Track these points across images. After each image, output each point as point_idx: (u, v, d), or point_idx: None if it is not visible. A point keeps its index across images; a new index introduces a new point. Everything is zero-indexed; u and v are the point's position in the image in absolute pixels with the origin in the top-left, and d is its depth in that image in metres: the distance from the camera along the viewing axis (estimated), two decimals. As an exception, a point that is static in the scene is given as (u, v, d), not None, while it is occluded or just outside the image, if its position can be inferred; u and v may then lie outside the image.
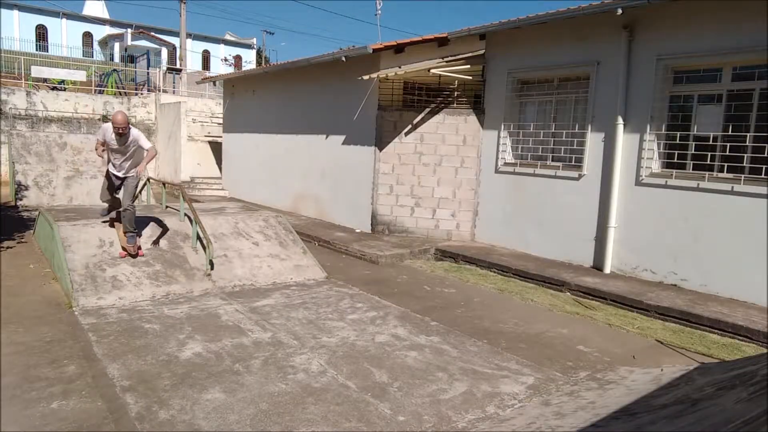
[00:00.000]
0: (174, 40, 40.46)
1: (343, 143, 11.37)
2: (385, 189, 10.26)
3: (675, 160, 7.24)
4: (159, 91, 21.27)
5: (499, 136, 9.38)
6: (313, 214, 12.41)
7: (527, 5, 46.54)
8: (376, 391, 4.10)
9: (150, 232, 7.22)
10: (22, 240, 8.89)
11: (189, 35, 39.23)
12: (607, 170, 7.81)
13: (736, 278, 6.54)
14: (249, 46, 51.95)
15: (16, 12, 42.29)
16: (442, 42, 9.87)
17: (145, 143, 6.69)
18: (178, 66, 28.23)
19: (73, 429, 3.42)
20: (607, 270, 7.75)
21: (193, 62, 42.35)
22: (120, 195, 6.85)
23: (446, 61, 9.42)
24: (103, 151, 6.72)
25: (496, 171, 9.47)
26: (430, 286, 7.42)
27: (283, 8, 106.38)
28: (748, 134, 6.54)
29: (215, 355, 4.63)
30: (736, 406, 2.64)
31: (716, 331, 5.72)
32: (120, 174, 6.77)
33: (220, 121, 17.28)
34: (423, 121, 9.96)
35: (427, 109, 9.97)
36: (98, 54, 44.70)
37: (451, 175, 9.91)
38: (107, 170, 6.88)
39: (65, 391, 3.88)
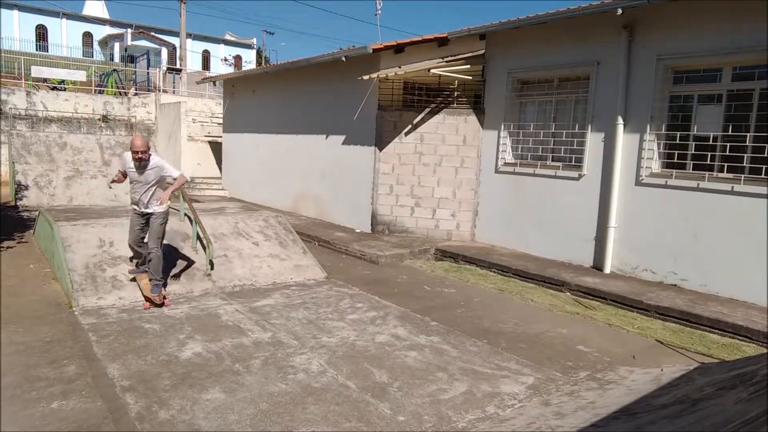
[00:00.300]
0: (174, 40, 40.46)
1: (343, 143, 11.37)
2: (385, 189, 10.26)
3: (675, 160, 7.24)
4: (159, 91, 21.27)
5: (499, 136, 9.38)
6: (313, 214, 12.41)
7: (527, 5, 46.49)
8: (376, 391, 4.10)
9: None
10: (22, 240, 8.89)
11: (189, 35, 39.24)
12: (607, 170, 7.81)
13: (736, 278, 6.53)
14: (249, 46, 51.95)
15: (16, 12, 42.29)
16: (442, 42, 9.88)
17: (173, 171, 5.86)
18: (178, 66, 28.24)
19: (73, 429, 3.42)
20: (607, 270, 7.75)
21: (193, 62, 42.35)
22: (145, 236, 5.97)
23: (446, 61, 9.42)
24: (116, 182, 6.07)
25: (496, 171, 9.47)
26: (430, 286, 7.42)
27: (283, 8, 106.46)
28: (748, 134, 6.54)
29: (215, 355, 4.63)
30: (736, 406, 2.64)
31: (716, 331, 5.72)
32: (142, 210, 5.82)
33: (220, 121, 17.28)
34: (423, 121, 9.96)
35: (427, 109, 9.97)
36: (98, 54, 44.71)
37: (451, 175, 9.90)
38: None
39: (65, 391, 3.88)
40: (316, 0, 76.20)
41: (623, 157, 7.60)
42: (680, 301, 6.35)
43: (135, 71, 25.98)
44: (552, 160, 8.72)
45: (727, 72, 6.76)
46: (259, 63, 46.97)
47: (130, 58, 32.50)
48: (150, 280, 5.86)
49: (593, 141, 8.01)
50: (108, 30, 45.27)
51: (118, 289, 6.12)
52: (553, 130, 8.71)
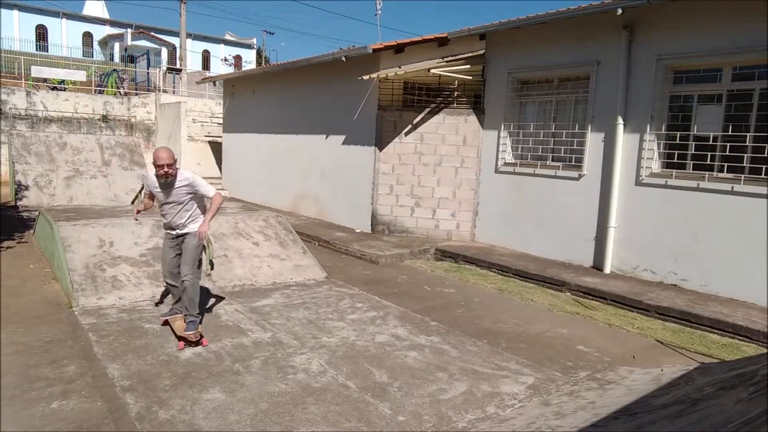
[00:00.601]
0: (174, 40, 40.47)
1: (343, 143, 11.37)
2: (385, 189, 10.26)
3: (675, 160, 7.24)
4: (159, 91, 21.27)
5: (499, 136, 9.38)
6: (313, 214, 12.41)
7: (527, 5, 46.53)
8: (376, 391, 4.10)
9: (149, 232, 7.21)
10: (22, 240, 8.89)
11: (189, 35, 39.25)
12: (607, 170, 7.81)
13: (736, 278, 6.54)
14: (249, 46, 51.96)
15: (16, 12, 42.29)
16: (442, 42, 9.88)
17: (207, 189, 4.87)
18: (178, 66, 28.24)
19: (73, 429, 3.42)
20: (607, 270, 7.75)
21: (193, 62, 42.37)
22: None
23: (446, 61, 9.42)
24: (142, 212, 5.23)
25: (496, 171, 9.47)
26: (430, 286, 7.42)
27: (283, 8, 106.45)
28: (748, 134, 6.54)
29: (215, 355, 4.63)
30: (736, 406, 2.64)
31: (716, 331, 5.72)
32: (173, 233, 4.94)
33: (220, 121, 17.29)
34: (423, 121, 9.96)
35: (427, 109, 9.97)
36: (98, 54, 44.71)
37: (451, 175, 9.91)
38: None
39: (65, 391, 3.88)
40: (316, 0, 76.24)
41: (623, 157, 7.60)
42: (680, 301, 6.35)
43: (135, 71, 25.98)
44: (552, 160, 8.72)
45: (727, 72, 6.76)
46: (259, 63, 46.99)
47: (130, 58, 32.51)
48: (185, 316, 4.85)
49: (593, 141, 8.01)
50: (108, 30, 45.28)
51: (118, 289, 6.12)
52: (553, 130, 8.71)
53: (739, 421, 2.33)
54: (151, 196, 4.98)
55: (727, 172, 6.74)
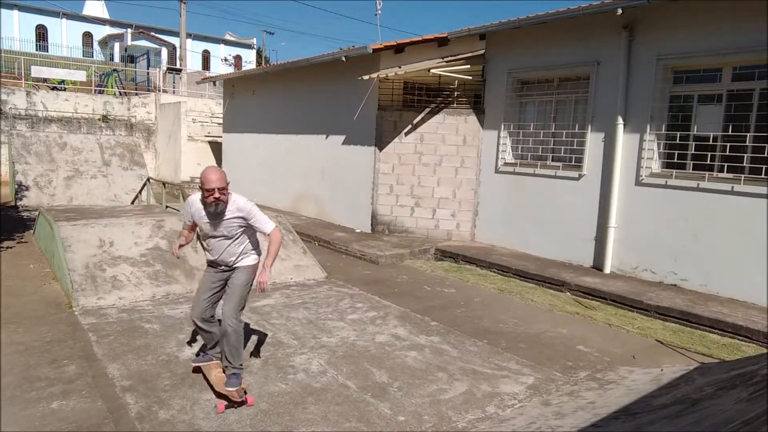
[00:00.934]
0: (174, 40, 40.46)
1: (343, 143, 11.37)
2: (385, 189, 10.26)
3: (675, 160, 7.24)
4: (159, 91, 21.27)
5: (499, 136, 9.38)
6: (313, 214, 12.41)
7: (527, 5, 46.58)
8: (376, 391, 4.10)
9: (149, 232, 7.21)
10: (22, 240, 8.89)
11: (189, 35, 39.23)
12: (607, 170, 7.81)
13: (736, 278, 6.54)
14: (249, 46, 51.96)
15: (16, 12, 42.29)
16: (442, 42, 9.88)
17: (265, 223, 3.97)
18: (178, 66, 28.23)
19: (73, 429, 3.42)
20: (607, 270, 7.75)
21: (193, 62, 42.36)
22: (220, 305, 4.03)
23: (446, 61, 9.42)
24: (183, 246, 4.31)
25: (496, 171, 9.47)
26: (430, 286, 7.42)
27: (283, 8, 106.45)
28: (748, 134, 6.54)
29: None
30: (736, 406, 2.64)
31: (716, 331, 5.72)
32: (219, 269, 4.04)
33: (220, 121, 17.29)
34: (423, 121, 9.96)
35: (427, 109, 9.97)
36: (98, 54, 44.70)
37: (451, 175, 9.91)
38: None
39: (65, 391, 3.88)
40: (316, 0, 76.22)
41: (623, 157, 7.60)
42: (680, 301, 6.35)
43: (135, 71, 25.98)
44: (552, 160, 8.72)
45: (727, 72, 6.76)
46: (259, 63, 46.98)
47: (130, 58, 32.51)
48: (225, 368, 3.90)
49: (593, 141, 8.01)
50: (108, 30, 45.27)
51: (118, 289, 6.12)
52: (553, 130, 8.71)
53: (739, 421, 2.33)
54: (193, 227, 4.09)
55: (727, 172, 6.74)
